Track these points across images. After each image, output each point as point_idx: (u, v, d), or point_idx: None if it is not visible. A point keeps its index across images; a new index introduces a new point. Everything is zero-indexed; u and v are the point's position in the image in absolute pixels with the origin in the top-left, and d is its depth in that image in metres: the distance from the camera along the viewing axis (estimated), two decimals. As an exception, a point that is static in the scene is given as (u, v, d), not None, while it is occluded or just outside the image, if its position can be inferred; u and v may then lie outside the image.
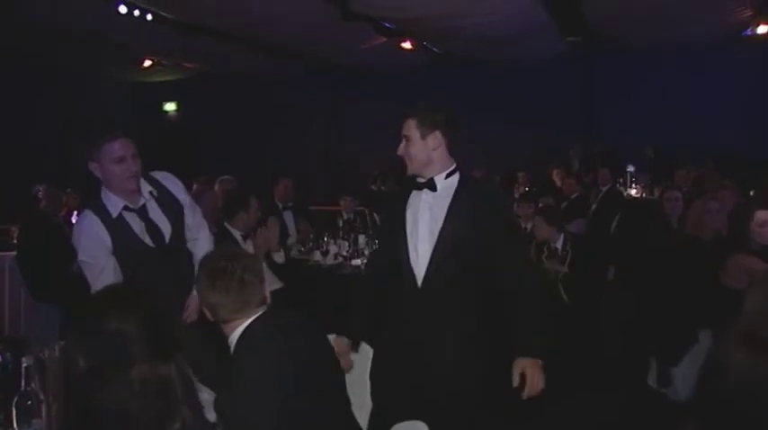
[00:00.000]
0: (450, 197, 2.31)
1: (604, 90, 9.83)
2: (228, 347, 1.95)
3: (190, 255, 2.77)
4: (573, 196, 7.23)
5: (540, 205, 5.70)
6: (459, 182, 2.35)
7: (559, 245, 4.50)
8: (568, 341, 4.20)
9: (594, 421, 3.81)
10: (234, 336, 1.92)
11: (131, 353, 1.24)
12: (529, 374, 2.21)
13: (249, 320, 1.90)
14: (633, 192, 8.33)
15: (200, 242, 2.81)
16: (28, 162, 8.95)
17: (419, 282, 2.30)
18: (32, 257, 5.13)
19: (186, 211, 2.77)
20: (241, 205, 4.20)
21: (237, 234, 4.16)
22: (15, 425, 1.82)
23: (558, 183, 7.91)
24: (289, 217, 6.00)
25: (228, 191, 5.48)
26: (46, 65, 9.33)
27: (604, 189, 7.35)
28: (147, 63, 9.78)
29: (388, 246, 2.45)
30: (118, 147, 2.51)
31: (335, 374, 2.04)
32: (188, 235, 2.79)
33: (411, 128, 2.32)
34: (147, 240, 2.63)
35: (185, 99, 12.11)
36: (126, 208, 2.60)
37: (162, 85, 11.51)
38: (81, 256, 2.58)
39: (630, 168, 8.55)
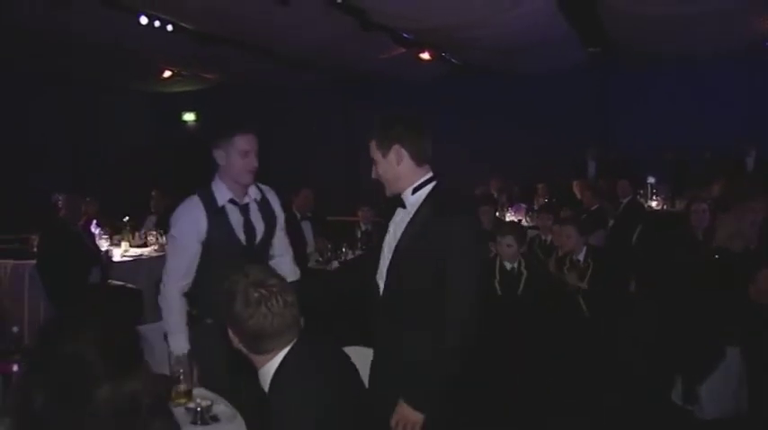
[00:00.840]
0: (413, 212, 2.26)
1: (620, 99, 9.71)
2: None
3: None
4: (593, 208, 7.14)
5: (563, 215, 5.64)
6: (428, 194, 2.27)
7: (581, 257, 4.43)
8: (588, 355, 4.12)
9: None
10: (268, 370, 1.79)
11: (93, 375, 1.19)
12: (401, 421, 2.14)
13: (284, 352, 1.79)
14: (654, 203, 8.21)
15: (283, 265, 2.85)
16: (27, 163, 9.03)
17: (381, 293, 2.33)
18: (52, 266, 5.16)
19: (278, 226, 2.89)
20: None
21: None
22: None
23: (578, 194, 7.82)
24: (307, 227, 6.00)
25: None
26: (67, 73, 9.45)
27: (625, 201, 7.26)
28: (167, 73, 9.86)
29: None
30: (247, 141, 2.71)
31: (362, 393, 2.01)
32: (273, 250, 2.88)
33: (373, 150, 2.31)
34: (241, 236, 2.73)
35: (204, 109, 12.20)
36: (231, 201, 2.72)
37: (181, 96, 11.60)
38: (171, 231, 2.74)
39: (651, 179, 8.43)
